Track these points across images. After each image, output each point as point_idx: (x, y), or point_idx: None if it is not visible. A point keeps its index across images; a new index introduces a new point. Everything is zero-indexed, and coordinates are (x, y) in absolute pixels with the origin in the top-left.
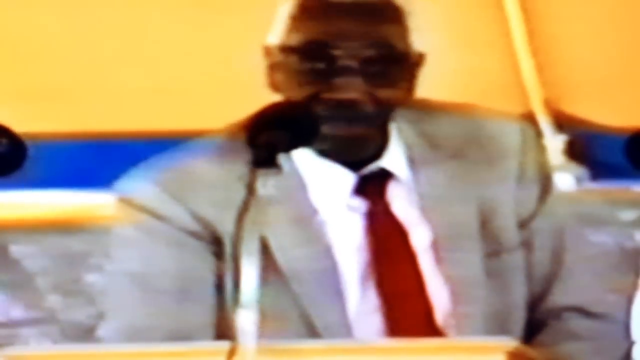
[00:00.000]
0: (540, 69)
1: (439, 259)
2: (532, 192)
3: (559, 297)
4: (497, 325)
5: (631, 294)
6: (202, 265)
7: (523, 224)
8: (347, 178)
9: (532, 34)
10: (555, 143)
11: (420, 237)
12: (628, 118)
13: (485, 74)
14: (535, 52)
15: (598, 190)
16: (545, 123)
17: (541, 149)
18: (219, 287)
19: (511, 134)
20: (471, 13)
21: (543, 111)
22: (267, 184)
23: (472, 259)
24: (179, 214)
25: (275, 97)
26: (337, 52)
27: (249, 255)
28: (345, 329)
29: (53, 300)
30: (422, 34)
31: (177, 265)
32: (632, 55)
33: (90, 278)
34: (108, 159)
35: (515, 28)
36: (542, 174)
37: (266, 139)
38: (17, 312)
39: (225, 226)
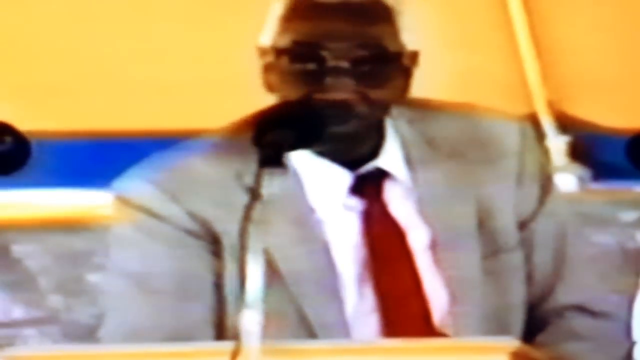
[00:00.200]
0: (544, 70)
1: (437, 259)
2: (532, 192)
3: (561, 296)
4: (495, 325)
5: (632, 294)
6: (201, 264)
7: (523, 224)
8: (343, 177)
9: (536, 37)
10: (558, 144)
11: (418, 237)
12: (630, 119)
13: (490, 75)
14: (539, 54)
15: (600, 191)
16: (548, 124)
17: (541, 149)
18: (218, 286)
19: (510, 134)
20: (476, 15)
21: (546, 112)
22: (272, 184)
23: (470, 259)
24: (177, 213)
25: (272, 97)
26: (326, 53)
27: (254, 255)
28: (342, 329)
29: (55, 300)
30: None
31: (175, 264)
32: (635, 57)
33: (93, 278)
34: (112, 157)
35: (519, 30)
36: (543, 174)
37: (272, 138)
38: (18, 312)
39: (223, 225)
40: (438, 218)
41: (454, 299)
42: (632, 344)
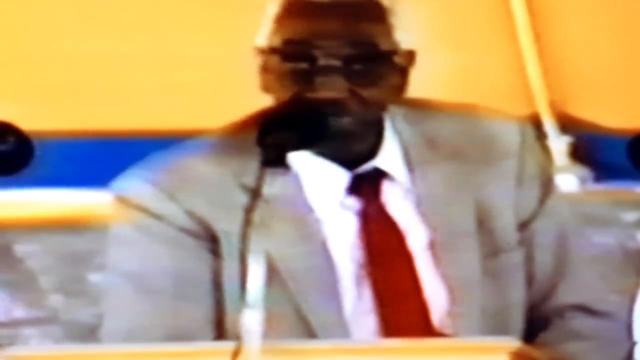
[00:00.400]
0: (545, 71)
1: (436, 259)
2: (533, 192)
3: (563, 296)
4: (494, 326)
5: (633, 294)
6: (199, 263)
7: (524, 225)
8: (341, 177)
9: (538, 37)
10: (559, 144)
11: (417, 237)
12: (631, 120)
13: (491, 75)
14: (541, 55)
15: (601, 191)
16: (549, 124)
17: (543, 149)
18: (217, 285)
19: (510, 134)
20: (478, 15)
21: (548, 113)
22: (274, 184)
23: (469, 259)
24: (175, 213)
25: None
26: (318, 52)
27: (255, 255)
28: (341, 328)
29: (56, 300)
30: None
31: (174, 264)
32: (637, 57)
33: (94, 278)
34: (115, 157)
35: (521, 31)
36: (543, 174)
37: (275, 139)
38: (19, 311)
39: (222, 224)
40: (437, 218)
41: (453, 299)
42: (633, 344)
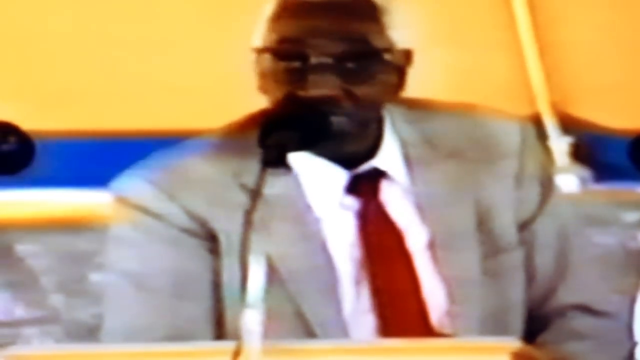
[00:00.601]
0: (547, 71)
1: (435, 259)
2: (533, 192)
3: (564, 296)
4: (494, 326)
5: (634, 294)
6: (199, 262)
7: (525, 225)
8: (339, 176)
9: (539, 38)
10: (560, 145)
11: (416, 237)
12: (632, 120)
13: (493, 76)
14: (542, 55)
15: (602, 192)
16: (551, 125)
17: (544, 149)
18: (216, 284)
19: (510, 134)
20: (479, 15)
21: (549, 113)
22: (275, 185)
23: (469, 259)
24: (174, 212)
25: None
26: (310, 50)
27: (256, 255)
28: (340, 328)
29: (57, 300)
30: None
31: (173, 263)
32: (638, 58)
33: (95, 277)
34: (116, 157)
35: (523, 31)
36: (544, 174)
37: (276, 139)
38: (20, 311)
39: (221, 223)
40: (437, 218)
41: (453, 299)
42: (633, 345)
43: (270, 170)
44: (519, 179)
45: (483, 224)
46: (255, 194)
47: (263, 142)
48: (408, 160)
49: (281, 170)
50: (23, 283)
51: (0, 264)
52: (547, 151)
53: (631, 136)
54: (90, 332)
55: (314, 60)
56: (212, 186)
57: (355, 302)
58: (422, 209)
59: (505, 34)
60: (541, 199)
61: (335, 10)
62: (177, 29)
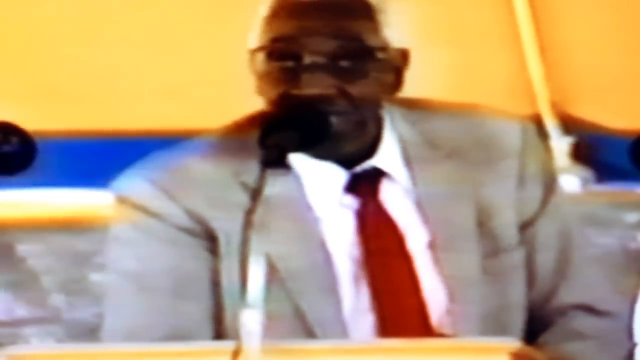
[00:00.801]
0: (548, 72)
1: (436, 259)
2: (535, 192)
3: (565, 296)
4: (494, 326)
5: (635, 294)
6: (198, 262)
7: (526, 225)
8: (339, 176)
9: (540, 38)
10: (561, 145)
11: (416, 237)
12: (633, 121)
13: (493, 75)
14: (543, 55)
15: (603, 192)
16: (552, 125)
17: (544, 149)
18: (215, 284)
19: (512, 134)
20: (480, 14)
21: (550, 113)
22: (275, 185)
23: (469, 259)
24: (174, 212)
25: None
26: (303, 49)
27: (256, 255)
28: (340, 327)
29: (57, 299)
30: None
31: (173, 263)
32: (638, 59)
33: (96, 277)
34: (117, 157)
35: (524, 31)
36: (546, 174)
37: (276, 139)
38: (21, 311)
39: (221, 223)
40: (437, 218)
41: (453, 298)
42: (633, 345)
43: (270, 171)
44: (520, 179)
45: (483, 223)
46: (255, 194)
47: (263, 143)
48: (408, 160)
49: (281, 171)
50: (24, 283)
51: (1, 264)
52: (547, 151)
53: (632, 136)
54: (90, 332)
55: (307, 59)
56: (212, 186)
57: (355, 302)
58: (423, 209)
59: (506, 33)
60: (543, 199)
61: (330, 9)
62: (177, 29)
